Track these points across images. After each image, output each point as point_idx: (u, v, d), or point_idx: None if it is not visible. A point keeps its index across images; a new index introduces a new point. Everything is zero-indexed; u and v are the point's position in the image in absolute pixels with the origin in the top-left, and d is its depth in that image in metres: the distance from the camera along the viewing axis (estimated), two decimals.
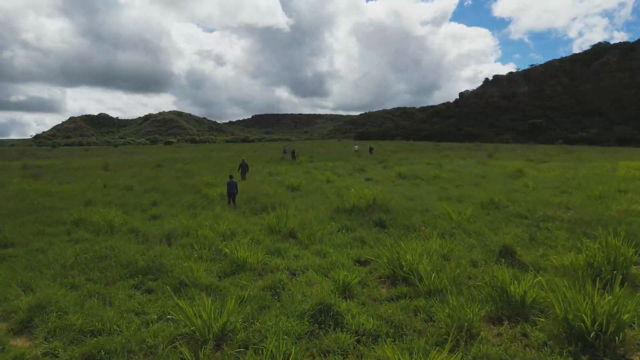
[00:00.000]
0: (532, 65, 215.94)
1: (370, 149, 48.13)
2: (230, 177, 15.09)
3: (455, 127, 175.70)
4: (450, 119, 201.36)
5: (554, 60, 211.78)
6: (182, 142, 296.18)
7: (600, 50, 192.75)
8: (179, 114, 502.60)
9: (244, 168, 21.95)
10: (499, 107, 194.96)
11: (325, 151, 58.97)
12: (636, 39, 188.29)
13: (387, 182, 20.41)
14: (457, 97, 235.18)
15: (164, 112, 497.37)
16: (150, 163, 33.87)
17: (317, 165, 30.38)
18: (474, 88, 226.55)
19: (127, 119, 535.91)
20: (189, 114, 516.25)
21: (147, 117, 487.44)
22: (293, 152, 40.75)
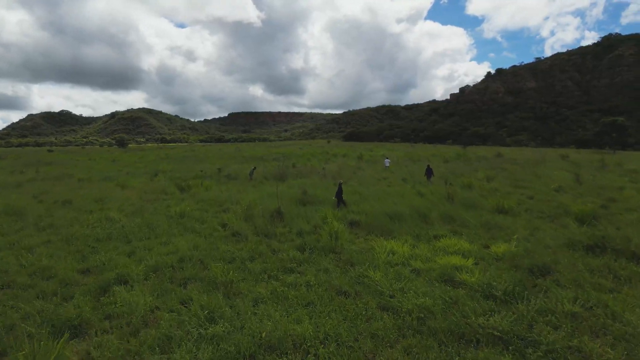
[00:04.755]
0: (537, 58, 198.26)
1: (429, 171, 24.23)
2: None
3: (460, 127, 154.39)
4: (451, 117, 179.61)
5: (562, 53, 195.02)
6: (151, 142, 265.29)
7: (613, 42, 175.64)
8: (148, 111, 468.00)
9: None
10: (505, 104, 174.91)
11: (338, 169, 34.64)
12: None
13: None
14: (457, 92, 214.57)
15: (132, 109, 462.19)
16: None
17: None
18: (476, 82, 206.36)
19: (93, 117, 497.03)
20: (160, 112, 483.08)
21: (114, 115, 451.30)
22: (340, 190, 15.94)
